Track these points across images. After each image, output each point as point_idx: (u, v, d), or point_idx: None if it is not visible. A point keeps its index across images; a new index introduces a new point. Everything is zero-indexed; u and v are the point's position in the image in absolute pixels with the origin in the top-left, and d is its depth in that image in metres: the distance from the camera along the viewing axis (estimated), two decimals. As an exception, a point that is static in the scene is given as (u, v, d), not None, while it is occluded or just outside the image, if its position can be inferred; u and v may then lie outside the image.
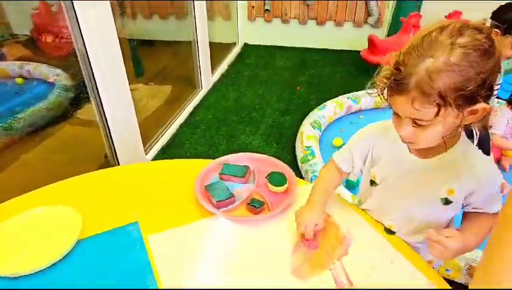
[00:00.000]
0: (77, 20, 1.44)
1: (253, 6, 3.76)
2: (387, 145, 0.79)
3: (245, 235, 0.83)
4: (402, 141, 0.70)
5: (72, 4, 1.41)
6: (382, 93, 0.66)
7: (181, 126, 2.43)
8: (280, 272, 0.74)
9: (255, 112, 2.64)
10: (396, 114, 0.68)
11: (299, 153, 1.94)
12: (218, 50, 3.32)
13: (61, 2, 1.44)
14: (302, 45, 3.85)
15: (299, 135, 2.11)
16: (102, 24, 1.55)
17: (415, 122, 0.64)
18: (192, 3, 2.60)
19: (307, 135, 2.04)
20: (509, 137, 2.02)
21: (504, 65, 2.64)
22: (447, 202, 0.74)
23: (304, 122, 2.24)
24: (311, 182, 0.98)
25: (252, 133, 2.36)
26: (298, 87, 3.00)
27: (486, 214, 0.74)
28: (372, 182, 0.84)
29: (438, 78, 0.58)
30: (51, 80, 2.55)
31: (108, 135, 1.77)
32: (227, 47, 3.73)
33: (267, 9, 3.73)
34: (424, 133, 0.65)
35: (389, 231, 0.84)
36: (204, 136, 2.33)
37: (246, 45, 3.97)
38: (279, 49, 3.85)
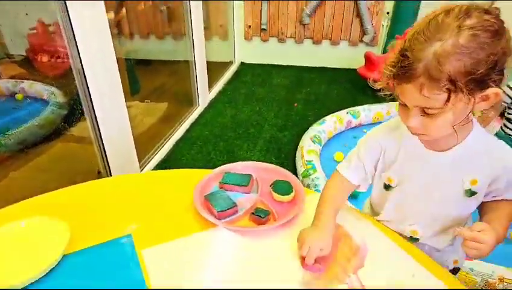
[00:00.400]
0: (74, 38, 1.42)
1: (249, 26, 3.80)
2: (399, 145, 0.75)
3: (249, 247, 0.76)
4: (411, 133, 0.66)
5: (70, 22, 1.39)
6: (388, 84, 0.62)
7: (177, 142, 2.37)
8: (289, 287, 0.67)
9: (252, 128, 2.59)
10: (403, 105, 0.64)
11: (300, 168, 1.88)
12: (215, 69, 3.32)
13: (60, 21, 1.42)
14: (298, 63, 3.87)
15: (299, 149, 2.05)
16: (100, 42, 1.55)
17: (424, 112, 0.61)
18: (189, 24, 2.61)
19: (308, 150, 1.98)
20: None
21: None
22: (471, 193, 0.71)
23: (303, 137, 2.19)
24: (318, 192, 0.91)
25: (250, 148, 2.30)
26: (295, 104, 2.98)
27: (506, 201, 0.71)
28: (388, 187, 0.78)
29: (447, 61, 0.55)
30: (45, 98, 2.51)
31: (103, 151, 1.72)
32: (224, 66, 3.74)
33: (263, 29, 3.77)
34: (434, 122, 0.62)
35: (413, 239, 0.78)
36: (201, 152, 2.26)
37: (242, 63, 3.98)
38: (275, 67, 3.86)
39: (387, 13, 3.38)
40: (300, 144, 2.10)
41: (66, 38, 1.45)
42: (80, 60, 1.47)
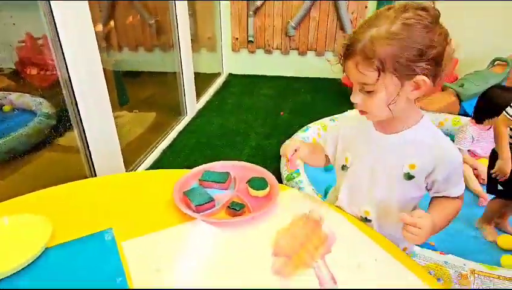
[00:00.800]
0: (62, 50, 1.48)
1: (237, 38, 3.90)
2: (355, 128, 0.86)
3: (226, 238, 0.80)
4: (356, 108, 0.77)
5: (57, 35, 1.44)
6: (340, 61, 0.73)
7: (164, 151, 2.41)
8: (262, 272, 0.71)
9: (239, 136, 2.64)
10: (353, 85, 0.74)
11: (284, 172, 1.93)
12: (203, 79, 3.39)
13: (47, 32, 1.47)
14: (284, 74, 3.97)
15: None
16: (87, 53, 1.60)
17: (363, 88, 0.71)
18: (177, 37, 2.68)
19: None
20: (482, 154, 2.07)
21: (472, 88, 2.77)
22: (409, 177, 0.78)
23: (288, 143, 2.24)
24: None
25: (236, 155, 2.35)
26: (282, 113, 3.05)
27: (449, 198, 0.79)
28: (344, 167, 0.88)
29: (378, 44, 0.65)
30: (33, 109, 2.53)
31: (89, 159, 1.76)
32: (212, 77, 3.81)
33: (250, 41, 3.87)
34: (371, 100, 0.72)
35: (366, 219, 0.85)
36: (188, 160, 2.30)
37: (230, 74, 4.07)
38: (262, 78, 3.95)
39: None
40: (285, 150, 2.16)
41: (54, 50, 1.50)
42: (67, 71, 1.52)
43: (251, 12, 3.73)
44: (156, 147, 2.39)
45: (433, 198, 0.82)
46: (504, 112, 1.37)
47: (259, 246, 0.77)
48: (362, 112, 0.77)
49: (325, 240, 0.78)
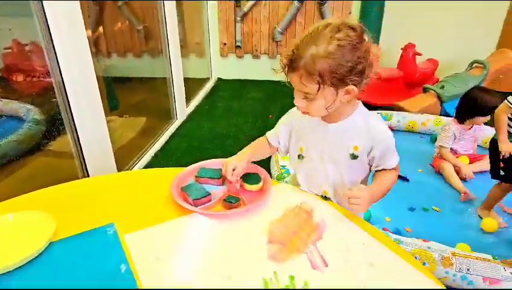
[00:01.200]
0: (56, 56, 1.50)
1: (225, 44, 3.96)
2: (305, 121, 0.96)
3: (222, 229, 0.85)
4: (299, 110, 0.89)
5: (51, 39, 1.47)
6: (284, 71, 0.83)
7: (156, 154, 2.44)
8: (258, 258, 0.76)
9: (229, 140, 2.69)
10: (295, 90, 0.86)
11: (275, 172, 1.99)
12: (193, 84, 3.42)
13: (41, 38, 1.50)
14: (272, 78, 4.01)
15: (273, 157, 2.16)
16: (80, 58, 1.62)
17: (306, 96, 0.83)
18: (166, 43, 2.73)
19: (282, 156, 2.09)
20: (462, 152, 2.17)
21: (452, 90, 2.89)
22: (354, 157, 0.92)
23: (277, 145, 2.30)
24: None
25: (226, 157, 2.39)
26: (271, 116, 3.11)
27: (386, 170, 0.93)
28: (300, 156, 1.00)
29: (318, 62, 0.77)
30: (21, 115, 2.53)
31: (83, 163, 1.78)
32: (202, 82, 3.85)
33: (238, 46, 3.94)
34: (312, 104, 0.84)
35: (326, 198, 0.97)
36: (180, 163, 2.34)
37: (219, 79, 4.12)
38: (251, 82, 4.01)
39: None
40: (275, 151, 2.22)
41: (48, 56, 1.53)
42: (61, 77, 1.54)
43: (238, 18, 3.80)
44: (148, 151, 2.41)
45: (375, 172, 0.96)
46: (506, 100, 1.50)
47: (254, 235, 0.82)
48: (305, 112, 0.89)
49: (317, 228, 0.84)
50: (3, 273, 0.71)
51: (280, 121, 1.06)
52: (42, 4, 1.40)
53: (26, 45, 2.78)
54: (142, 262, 0.75)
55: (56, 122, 1.77)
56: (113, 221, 0.87)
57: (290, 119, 1.03)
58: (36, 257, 0.75)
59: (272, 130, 1.09)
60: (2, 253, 0.75)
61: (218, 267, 0.74)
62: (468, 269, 1.27)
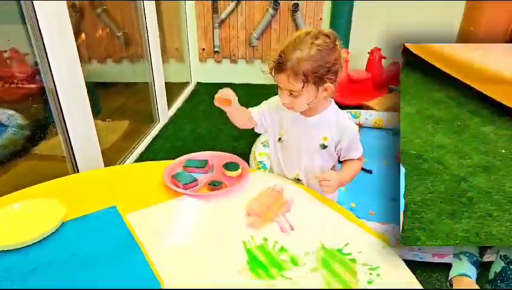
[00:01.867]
0: (48, 63, 1.62)
1: (203, 49, 4.12)
2: (289, 114, 1.09)
3: (208, 208, 1.02)
4: (284, 106, 1.03)
5: (44, 46, 1.59)
6: (271, 72, 0.99)
7: (141, 155, 2.57)
8: (238, 227, 0.93)
9: (211, 140, 2.86)
10: (280, 88, 1.01)
11: (253, 168, 2.17)
12: (173, 89, 3.55)
13: (35, 47, 1.61)
14: (250, 81, 4.22)
15: (252, 152, 2.34)
16: (70, 64, 1.74)
17: (291, 93, 0.98)
18: (147, 48, 2.86)
19: (259, 153, 2.28)
20: None
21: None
22: (324, 147, 1.09)
23: (255, 142, 2.49)
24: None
25: (209, 156, 2.55)
26: (249, 117, 3.29)
27: (353, 160, 1.11)
28: (280, 139, 1.15)
29: (302, 64, 0.93)
30: (4, 121, 2.59)
31: (75, 164, 1.89)
32: (182, 86, 3.99)
33: (216, 51, 4.10)
34: (296, 100, 0.99)
35: (298, 180, 1.15)
36: (165, 162, 2.47)
37: (199, 83, 4.27)
38: (229, 86, 4.04)
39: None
40: (253, 148, 2.40)
41: (41, 64, 1.65)
42: (53, 82, 1.66)
43: (216, 25, 3.97)
44: (133, 152, 2.54)
45: (342, 162, 1.13)
46: None
47: (235, 211, 1.00)
48: (289, 108, 1.04)
49: (286, 203, 1.02)
50: (24, 247, 0.85)
51: (264, 102, 1.18)
52: (35, 12, 1.51)
53: (6, 51, 2.84)
54: (145, 234, 0.91)
55: (41, 126, 1.86)
56: (115, 203, 1.02)
57: (275, 108, 1.13)
58: (51, 235, 0.90)
59: (254, 107, 1.19)
60: (22, 231, 0.89)
61: (207, 234, 0.91)
62: (419, 248, 1.49)
